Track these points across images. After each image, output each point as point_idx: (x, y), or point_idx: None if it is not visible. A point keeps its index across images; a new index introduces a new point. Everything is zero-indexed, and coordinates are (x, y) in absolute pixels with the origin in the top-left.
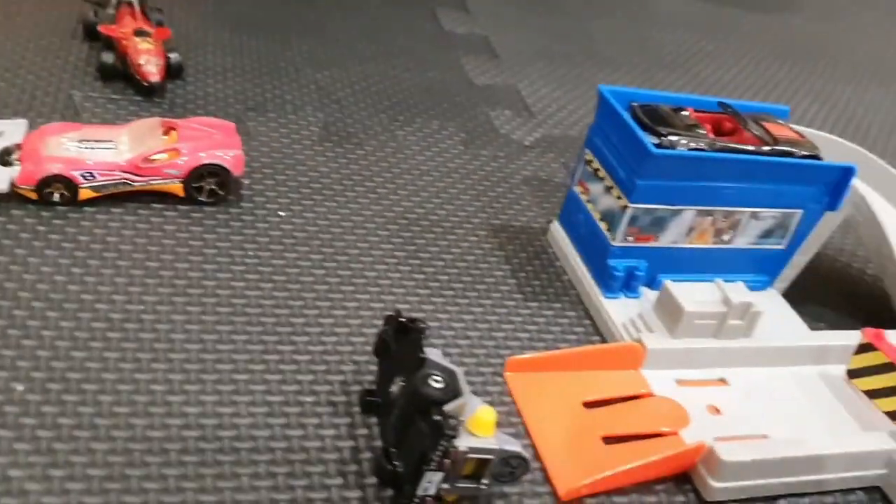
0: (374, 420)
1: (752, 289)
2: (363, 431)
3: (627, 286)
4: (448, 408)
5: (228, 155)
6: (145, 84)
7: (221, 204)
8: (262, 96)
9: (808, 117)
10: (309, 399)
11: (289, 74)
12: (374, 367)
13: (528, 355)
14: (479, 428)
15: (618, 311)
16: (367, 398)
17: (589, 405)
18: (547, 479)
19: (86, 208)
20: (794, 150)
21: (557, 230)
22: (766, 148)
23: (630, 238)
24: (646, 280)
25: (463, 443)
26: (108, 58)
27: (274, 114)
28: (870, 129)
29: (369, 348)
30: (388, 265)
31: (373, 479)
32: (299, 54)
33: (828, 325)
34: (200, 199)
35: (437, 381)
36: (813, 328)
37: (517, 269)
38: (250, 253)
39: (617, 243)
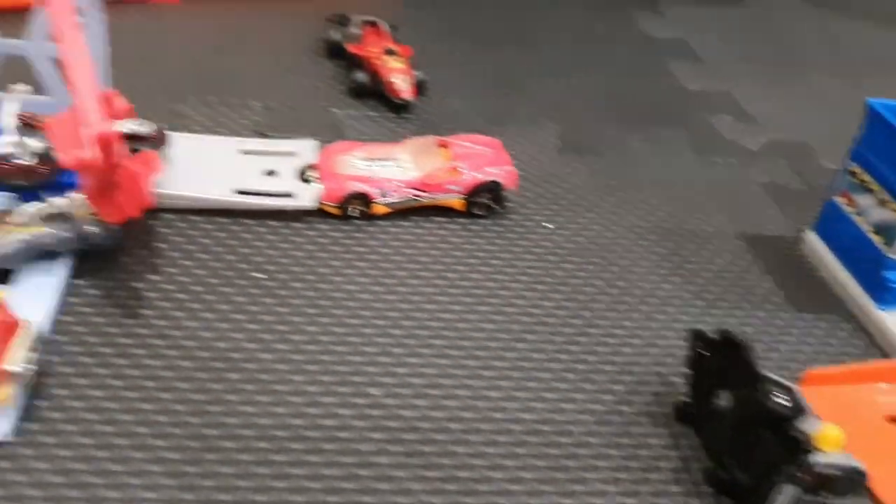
0: (683, 429)
1: None
2: (685, 441)
3: None
4: (799, 424)
5: (504, 171)
6: (398, 101)
7: (493, 217)
8: (499, 109)
9: None
10: (626, 409)
11: (516, 86)
12: (674, 380)
13: (826, 368)
14: (828, 444)
15: None
16: (684, 409)
17: (892, 420)
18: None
19: (379, 222)
20: None
21: (814, 241)
22: None
23: None
24: None
25: (818, 458)
26: (360, 76)
27: (514, 126)
28: None
29: (667, 360)
30: (660, 276)
31: (706, 488)
32: (519, 65)
33: None
34: (476, 212)
35: (779, 396)
36: None
37: (781, 283)
38: (530, 264)
39: (895, 255)
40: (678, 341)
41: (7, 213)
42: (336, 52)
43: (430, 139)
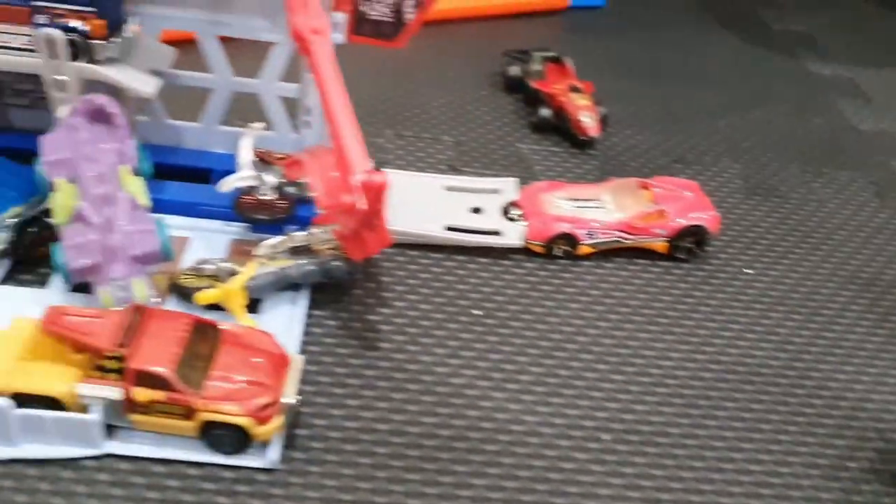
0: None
1: None
2: None
3: None
4: None
5: (708, 215)
6: (583, 138)
7: (694, 261)
8: (679, 146)
9: None
10: (852, 465)
11: (690, 123)
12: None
13: None
14: None
15: None
16: None
17: None
18: None
19: (584, 262)
20: None
21: None
22: None
23: None
24: None
25: None
26: (545, 112)
27: (698, 166)
28: None
29: (885, 416)
30: (866, 328)
31: None
32: (689, 101)
33: None
34: (678, 256)
35: None
36: None
37: None
38: (737, 312)
39: None
40: (893, 397)
41: (252, 245)
42: (515, 87)
43: (632, 181)
